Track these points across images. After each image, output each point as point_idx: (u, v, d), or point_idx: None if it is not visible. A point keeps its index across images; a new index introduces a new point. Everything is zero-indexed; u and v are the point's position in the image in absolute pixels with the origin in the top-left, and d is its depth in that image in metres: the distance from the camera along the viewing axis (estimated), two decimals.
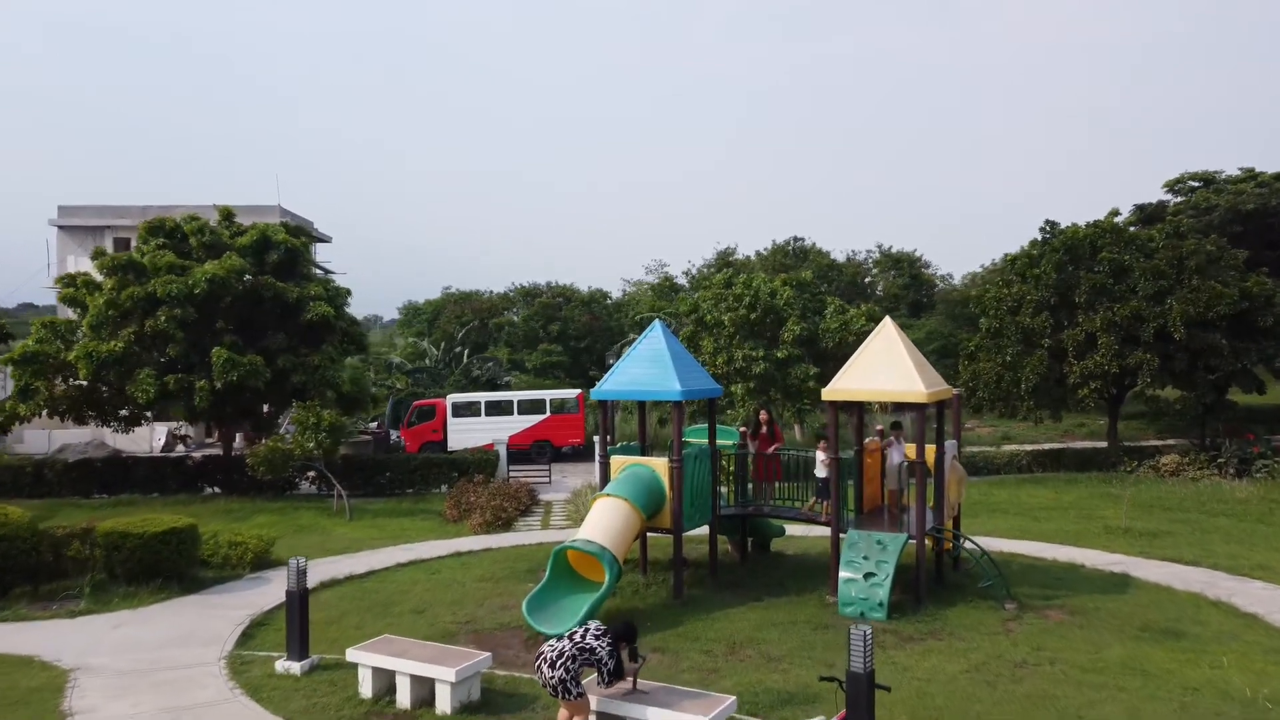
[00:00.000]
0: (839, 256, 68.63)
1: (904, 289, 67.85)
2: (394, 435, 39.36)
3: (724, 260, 68.05)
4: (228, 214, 27.55)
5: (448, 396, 38.40)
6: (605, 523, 13.52)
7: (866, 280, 68.99)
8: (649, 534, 15.39)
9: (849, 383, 14.33)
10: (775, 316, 29.40)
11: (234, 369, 23.93)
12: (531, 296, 71.50)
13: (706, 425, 16.21)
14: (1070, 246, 30.11)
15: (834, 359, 30.28)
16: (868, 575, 13.65)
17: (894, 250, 71.13)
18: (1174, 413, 32.01)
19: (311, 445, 22.53)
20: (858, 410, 15.88)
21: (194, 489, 26.91)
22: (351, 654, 10.26)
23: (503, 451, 29.54)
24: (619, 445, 16.00)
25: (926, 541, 14.47)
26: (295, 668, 11.12)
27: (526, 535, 20.53)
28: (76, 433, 37.07)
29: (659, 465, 14.56)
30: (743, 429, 16.84)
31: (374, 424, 40.57)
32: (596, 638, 8.44)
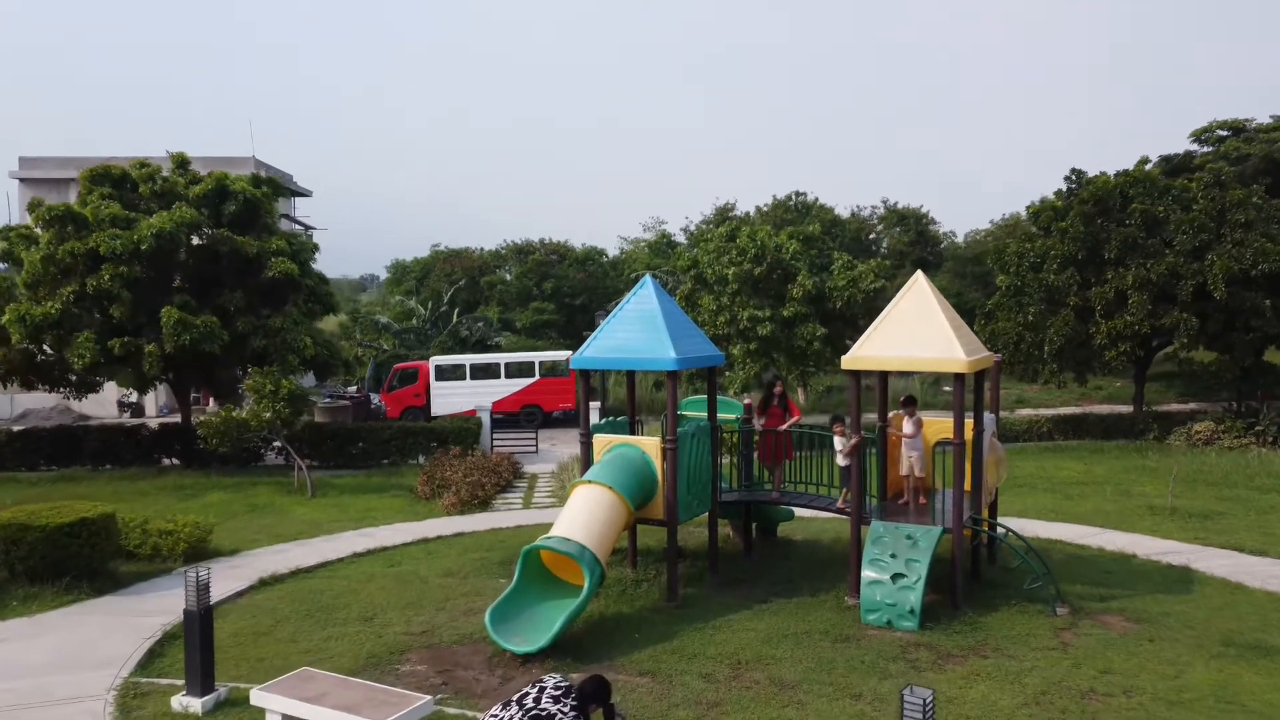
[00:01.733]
0: (843, 212, 66.11)
1: (910, 245, 65.42)
2: (375, 400, 37.26)
3: (723, 215, 65.50)
4: (182, 161, 25.12)
5: (430, 359, 36.24)
6: (585, 516, 11.38)
7: (871, 236, 66.52)
8: (639, 524, 13.25)
9: (874, 349, 12.13)
10: (783, 271, 27.11)
11: (186, 331, 21.68)
12: (524, 254, 69.01)
13: (705, 396, 14.04)
14: (1099, 198, 27.75)
15: (842, 319, 28.11)
16: (896, 576, 11.54)
17: (899, 206, 68.58)
18: (1208, 376, 29.85)
19: (269, 415, 20.35)
20: (881, 380, 13.71)
21: (149, 461, 24.80)
22: (257, 696, 8.15)
23: (486, 419, 27.39)
24: (603, 422, 13.79)
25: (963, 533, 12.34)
26: (196, 705, 9.01)
27: (505, 516, 18.43)
28: (41, 397, 34.91)
29: (650, 446, 12.40)
30: (748, 401, 14.65)
31: (353, 388, 38.44)
32: (556, 700, 6.30)
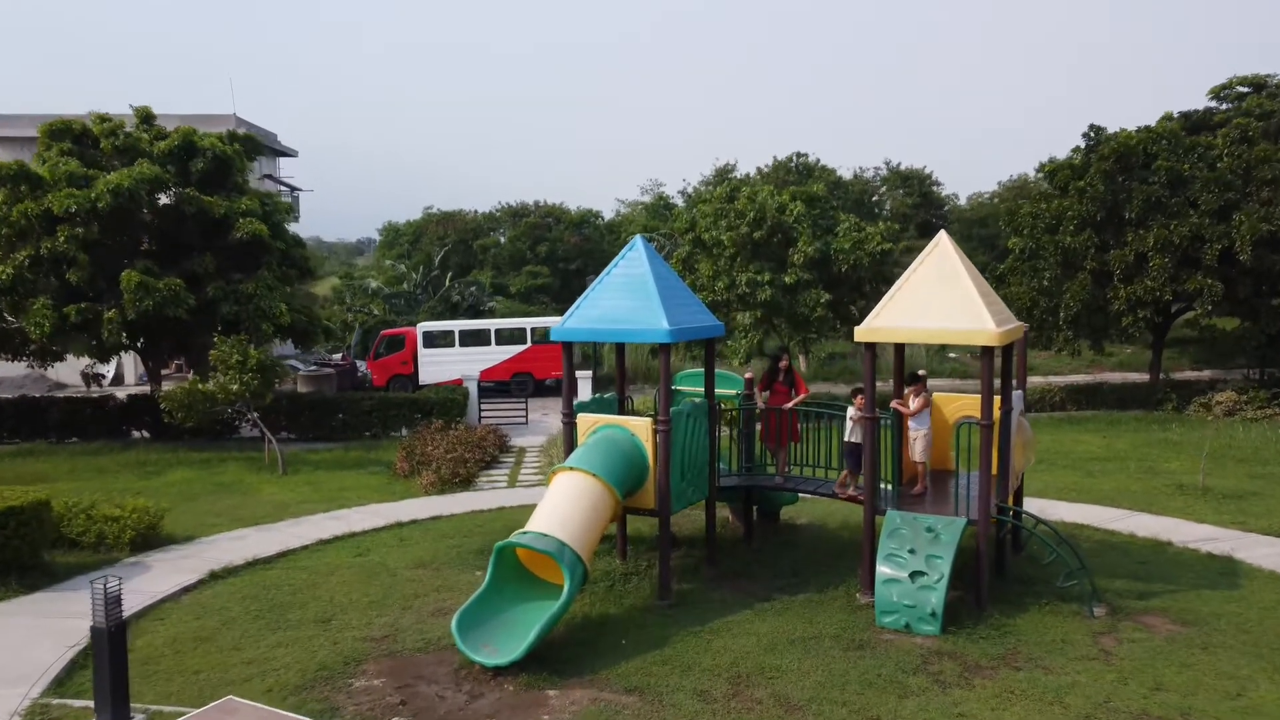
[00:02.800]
0: (845, 174, 64.42)
1: (913, 208, 63.83)
2: (361, 368, 35.95)
3: (723, 176, 63.82)
4: (147, 115, 23.59)
5: (418, 325, 34.88)
6: (566, 508, 10.09)
7: (874, 199, 64.86)
8: (628, 513, 11.96)
9: (892, 319, 10.78)
10: (784, 235, 25.67)
11: (147, 296, 20.33)
12: (519, 216, 67.41)
13: (703, 370, 12.70)
14: (1120, 155, 26.25)
15: (847, 284, 26.73)
16: (915, 574, 10.28)
17: (903, 167, 66.87)
18: (1230, 343, 28.55)
19: (236, 388, 19.02)
20: (897, 353, 12.39)
21: (117, 434, 23.54)
22: None
23: (473, 389, 26.09)
24: (589, 399, 12.42)
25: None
26: None
27: (487, 496, 17.17)
28: (14, 365, 33.59)
29: (639, 427, 11.08)
30: (749, 375, 13.31)
31: (338, 356, 37.13)
32: None
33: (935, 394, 13.22)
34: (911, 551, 10.41)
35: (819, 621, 10.52)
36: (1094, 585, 10.98)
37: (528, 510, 15.61)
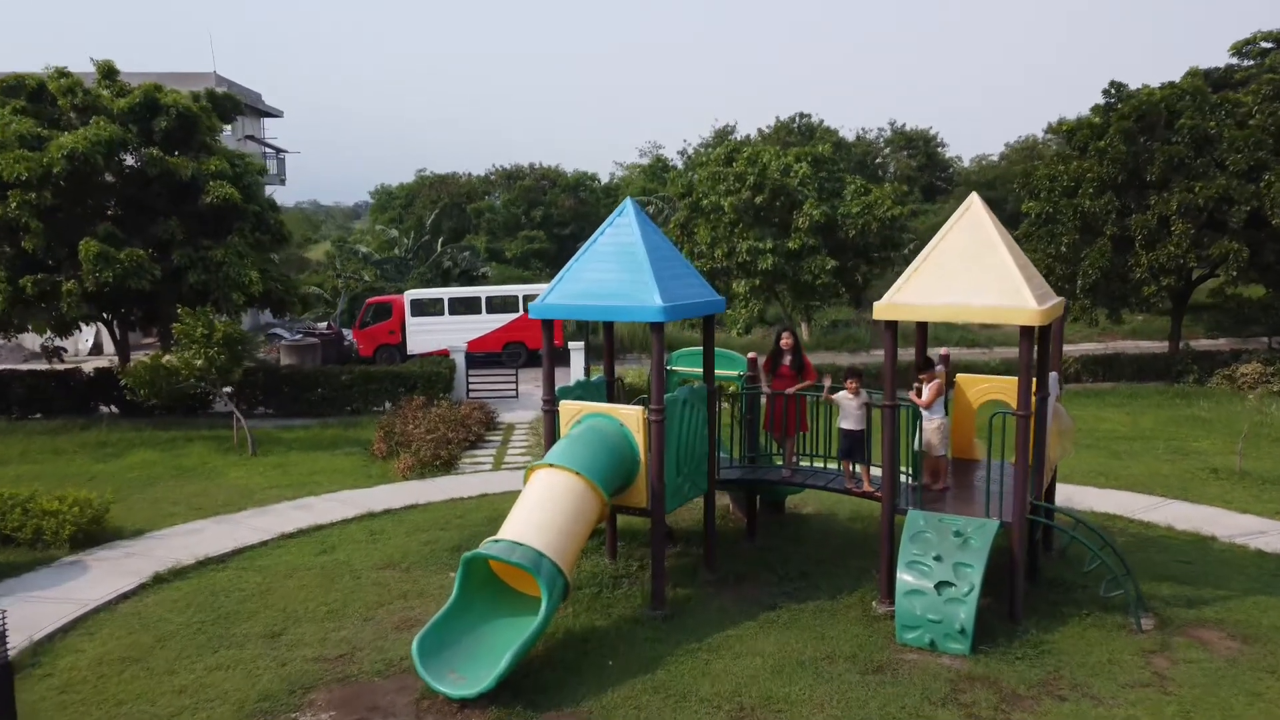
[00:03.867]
0: (848, 135, 62.69)
1: (918, 170, 62.24)
2: (347, 337, 34.65)
3: (723, 138, 62.09)
4: (109, 70, 22.06)
5: (406, 292, 33.52)
6: (544, 511, 8.84)
7: (877, 160, 63.20)
8: (616, 513, 10.71)
9: (917, 294, 9.47)
10: (787, 199, 24.24)
11: (108, 266, 18.98)
12: (513, 179, 65.76)
13: (700, 348, 11.40)
14: (1142, 113, 24.77)
15: (854, 250, 25.36)
16: (942, 585, 9.06)
17: (908, 128, 65.14)
18: (1255, 310, 27.28)
19: (200, 363, 17.72)
20: (920, 332, 11.10)
21: (84, 410, 22.29)
22: None
23: (460, 361, 24.81)
24: (574, 383, 11.08)
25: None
26: None
27: (469, 481, 15.94)
28: None
29: (629, 417, 9.80)
30: (752, 355, 12.00)
31: (324, 325, 35.81)
32: None
33: (960, 376, 11.97)
34: (937, 559, 9.18)
35: (832, 637, 9.31)
36: (1139, 594, 9.77)
37: (511, 498, 14.40)
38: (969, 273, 9.33)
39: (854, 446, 10.65)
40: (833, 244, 24.98)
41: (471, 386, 25.22)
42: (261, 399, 22.83)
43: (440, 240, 51.39)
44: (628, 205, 10.17)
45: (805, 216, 23.57)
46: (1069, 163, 25.99)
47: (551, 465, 9.17)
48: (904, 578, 9.25)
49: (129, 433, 19.54)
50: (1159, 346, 32.74)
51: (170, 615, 10.06)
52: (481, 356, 31.28)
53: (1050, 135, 61.23)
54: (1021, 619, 9.48)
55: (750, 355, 11.92)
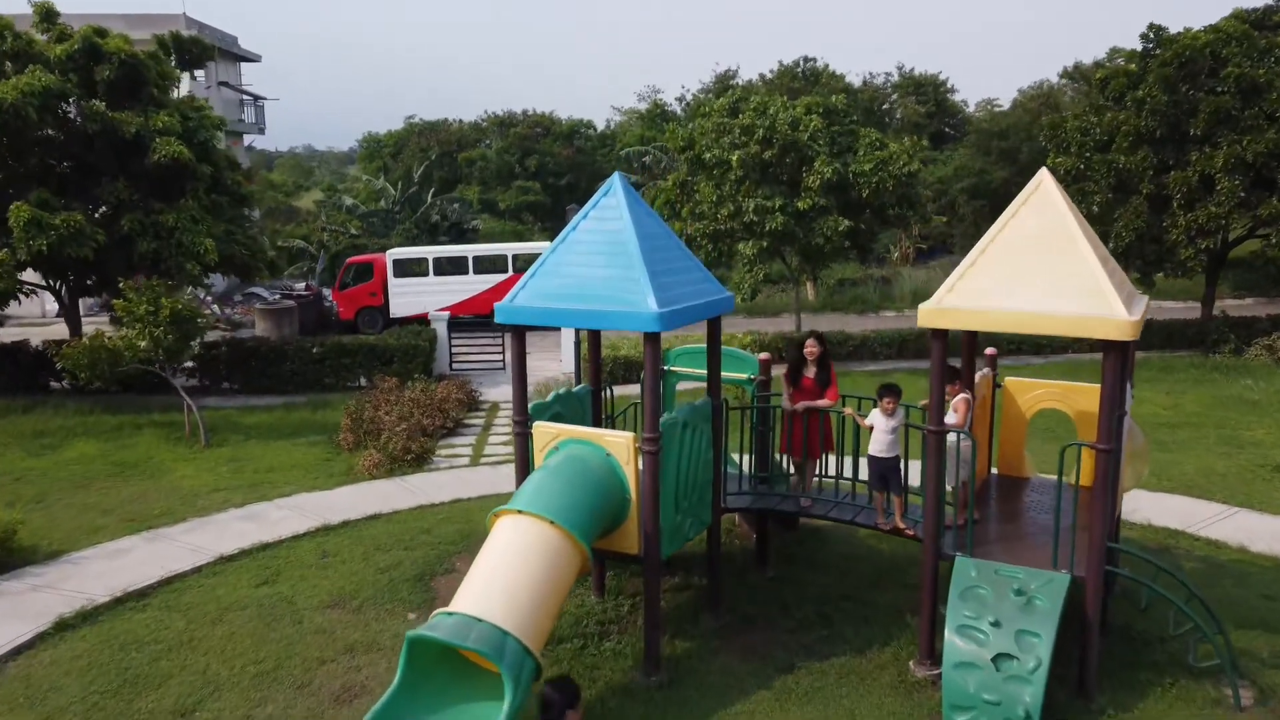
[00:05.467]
0: (855, 80, 60.18)
1: (926, 117, 59.80)
2: (327, 298, 32.77)
3: (724, 84, 59.55)
4: (47, 12, 19.88)
5: (388, 251, 31.59)
6: (509, 574, 7.08)
7: (884, 107, 60.72)
8: (601, 555, 8.95)
9: (974, 295, 7.63)
10: (797, 155, 22.22)
11: (41, 233, 17.08)
12: (506, 126, 63.24)
13: (702, 346, 9.59)
14: (1184, 60, 22.67)
15: (869, 209, 23.39)
16: (1001, 658, 7.34)
17: (916, 73, 62.52)
18: None
19: (144, 344, 15.90)
20: (968, 341, 9.27)
21: (33, 388, 20.51)
22: None
23: (441, 331, 22.98)
24: (551, 397, 9.18)
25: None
26: None
27: (443, 480, 14.20)
28: None
29: (618, 445, 8.00)
30: (765, 356, 10.17)
31: (302, 286, 33.90)
32: None
33: (1009, 380, 10.17)
34: (995, 624, 7.46)
35: (863, 714, 7.64)
36: (1233, 655, 8.07)
37: (489, 503, 12.79)
38: (1040, 270, 7.49)
39: (887, 475, 8.86)
40: (844, 203, 23.01)
41: (455, 355, 23.45)
42: (226, 374, 21.09)
43: (430, 191, 49.26)
44: (615, 182, 8.29)
45: (816, 175, 21.56)
46: (1102, 114, 23.93)
47: (520, 512, 7.39)
48: (954, 644, 7.53)
49: (73, 418, 17.75)
50: (1185, 308, 30.95)
51: (65, 682, 8.35)
52: (468, 321, 29.50)
53: (1066, 80, 58.92)
54: (1097, 698, 7.78)
55: (762, 356, 10.10)
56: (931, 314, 7.71)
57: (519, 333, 8.40)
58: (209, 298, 32.72)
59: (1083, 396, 9.68)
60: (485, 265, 30.77)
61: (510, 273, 30.41)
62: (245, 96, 43.76)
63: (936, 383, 7.91)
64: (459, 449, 16.11)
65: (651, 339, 7.63)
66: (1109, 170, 23.12)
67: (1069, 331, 7.30)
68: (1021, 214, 7.77)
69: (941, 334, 7.82)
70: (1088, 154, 23.69)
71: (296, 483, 14.10)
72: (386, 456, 14.75)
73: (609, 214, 8.16)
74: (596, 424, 9.70)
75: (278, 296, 31.68)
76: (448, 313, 24.49)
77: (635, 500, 7.94)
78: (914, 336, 24.50)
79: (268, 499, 13.30)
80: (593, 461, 7.92)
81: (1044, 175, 7.91)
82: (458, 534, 11.76)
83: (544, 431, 8.26)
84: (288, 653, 8.77)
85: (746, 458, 10.20)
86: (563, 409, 9.00)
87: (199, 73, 36.71)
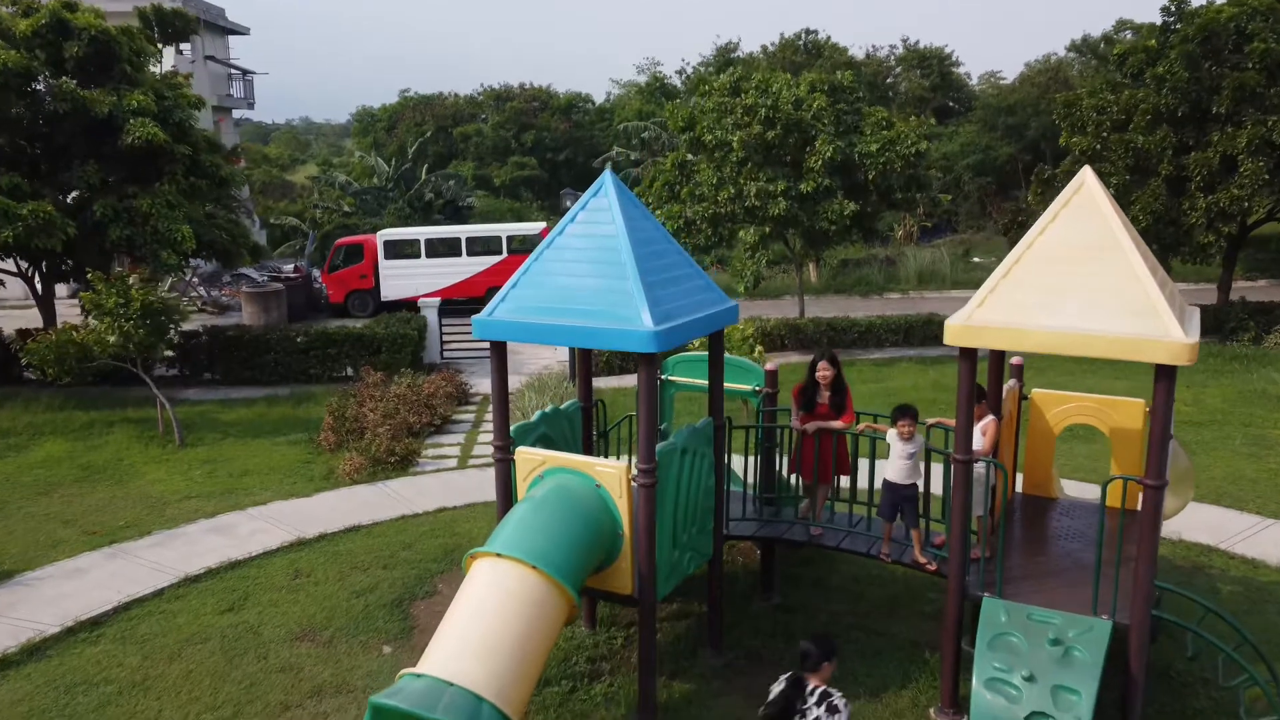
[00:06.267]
0: (858, 53, 58.90)
1: (930, 91, 58.58)
2: (317, 279, 31.89)
3: (724, 57, 58.35)
4: None
5: (379, 232, 30.69)
6: (485, 627, 6.30)
7: (888, 80, 59.48)
8: (590, 594, 8.17)
9: (1007, 311, 6.80)
10: (801, 135, 21.30)
11: (8, 223, 16.21)
12: (503, 101, 62.03)
13: (704, 354, 8.78)
14: (1207, 35, 21.69)
15: (875, 191, 22.49)
16: (1035, 717, 6.58)
17: (921, 45, 61.20)
18: None
19: (114, 339, 15.07)
20: (994, 361, 8.40)
21: (8, 379, 19.68)
22: None
23: (432, 318, 22.17)
24: (536, 417, 8.34)
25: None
26: None
27: (428, 485, 13.42)
28: None
29: (610, 476, 7.19)
30: (771, 366, 9.34)
31: (291, 267, 32.99)
32: None
33: (1036, 392, 9.35)
34: (1029, 679, 6.68)
35: None
36: None
37: (475, 513, 12.07)
38: (1083, 283, 6.66)
39: (902, 504, 8.03)
40: (849, 184, 22.10)
41: (446, 341, 22.66)
42: (207, 364, 20.29)
43: (425, 168, 48.22)
44: (606, 180, 7.43)
45: (818, 155, 20.64)
46: (1120, 92, 22.98)
47: (499, 555, 6.59)
48: (983, 698, 6.76)
49: (42, 415, 16.96)
50: (1199, 291, 30.09)
51: None
52: (463, 303, 28.69)
53: (1074, 54, 57.69)
54: None
55: (769, 366, 9.27)
56: (960, 331, 6.88)
57: (499, 349, 7.54)
58: (195, 279, 31.86)
59: (1118, 412, 8.88)
60: (479, 247, 29.92)
61: (505, 254, 29.59)
62: (233, 71, 42.63)
63: (964, 406, 7.08)
64: (446, 449, 15.32)
65: (646, 359, 6.80)
66: (1126, 150, 22.19)
67: (1117, 354, 6.47)
68: (1062, 218, 6.93)
69: (970, 353, 6.99)
70: (1104, 133, 22.76)
71: (273, 488, 13.32)
72: (369, 459, 13.96)
73: (599, 216, 7.31)
74: (587, 441, 8.90)
75: (265, 279, 30.77)
76: (438, 299, 23.68)
77: (629, 536, 7.14)
78: (921, 322, 23.72)
79: (241, 508, 12.53)
80: (581, 494, 7.12)
81: (1086, 174, 7.05)
82: (440, 550, 11.00)
83: (528, 459, 7.45)
84: (248, 696, 8.01)
85: (750, 464, 9.39)
86: (550, 430, 8.20)
87: (185, 46, 35.71)
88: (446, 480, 13.66)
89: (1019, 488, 9.47)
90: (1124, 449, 8.89)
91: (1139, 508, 7.61)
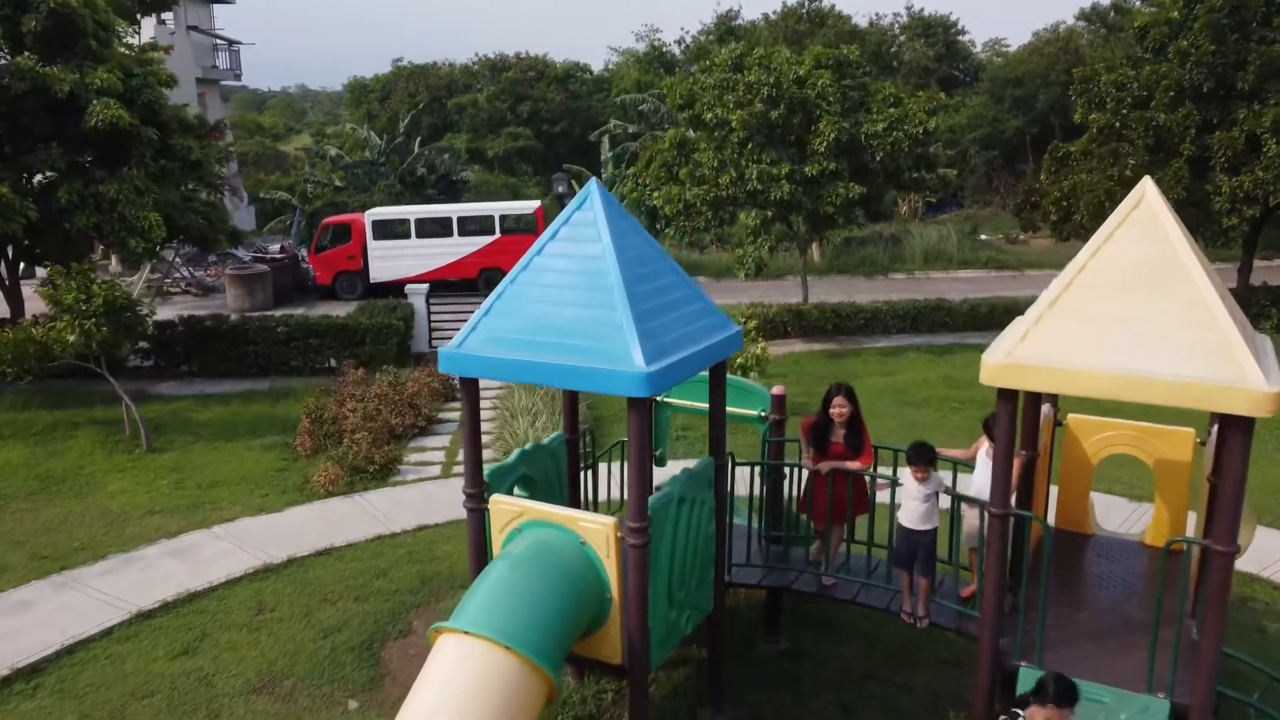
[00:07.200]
0: (861, 21, 57.45)
1: (935, 61, 57.21)
2: (304, 260, 30.87)
3: (725, 26, 56.91)
4: None
5: (368, 211, 29.62)
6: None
7: (892, 50, 58.06)
8: (576, 661, 7.31)
9: (1055, 349, 5.87)
10: (805, 114, 20.25)
11: None
12: (498, 71, 60.61)
13: (703, 373, 7.86)
14: (1236, 6, 20.57)
15: (883, 173, 21.48)
16: None
17: (926, 13, 59.72)
18: None
19: (73, 338, 14.13)
20: (1030, 402, 7.44)
21: None
22: None
23: (419, 305, 21.22)
24: (514, 456, 7.37)
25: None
26: None
27: (408, 497, 12.54)
28: None
29: (594, 532, 6.29)
30: (779, 390, 8.41)
31: (277, 248, 31.95)
32: None
33: (1072, 418, 8.44)
34: None
35: None
36: None
37: (458, 532, 11.17)
38: (1143, 315, 5.74)
39: (919, 553, 7.13)
40: (855, 166, 21.08)
41: (435, 328, 21.71)
42: (184, 355, 19.37)
43: (418, 140, 47.03)
44: (591, 191, 6.47)
45: (821, 137, 19.61)
46: (1140, 67, 21.88)
47: (466, 633, 5.70)
48: None
49: (4, 415, 16.07)
50: (1216, 273, 29.12)
51: None
52: (456, 284, 27.77)
53: (1083, 23, 56.22)
54: None
55: (776, 390, 8.34)
56: (999, 370, 5.96)
57: (471, 385, 6.62)
58: (178, 259, 30.86)
59: (1165, 442, 7.99)
60: (471, 226, 28.87)
61: (498, 234, 28.56)
62: (218, 41, 41.34)
63: (1003, 456, 6.18)
64: (430, 453, 14.45)
65: (637, 408, 5.89)
66: (1147, 129, 21.14)
67: (1184, 402, 5.57)
68: (1118, 238, 5.99)
69: (1011, 394, 6.08)
70: (1124, 110, 21.69)
71: (243, 501, 12.45)
72: (346, 469, 13.07)
73: (583, 233, 6.36)
74: (574, 477, 8.00)
75: (249, 259, 29.74)
76: (426, 284, 22.73)
77: (618, 600, 6.27)
78: (928, 309, 22.85)
79: (207, 525, 11.66)
80: (564, 553, 6.23)
81: (1146, 187, 6.11)
82: (417, 579, 10.15)
83: (503, 510, 6.55)
84: None
85: (753, 486, 8.52)
86: (530, 469, 7.29)
87: (167, 16, 34.48)
88: (428, 492, 12.78)
89: (1050, 520, 8.59)
90: (1170, 484, 8.00)
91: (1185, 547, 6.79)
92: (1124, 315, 5.78)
